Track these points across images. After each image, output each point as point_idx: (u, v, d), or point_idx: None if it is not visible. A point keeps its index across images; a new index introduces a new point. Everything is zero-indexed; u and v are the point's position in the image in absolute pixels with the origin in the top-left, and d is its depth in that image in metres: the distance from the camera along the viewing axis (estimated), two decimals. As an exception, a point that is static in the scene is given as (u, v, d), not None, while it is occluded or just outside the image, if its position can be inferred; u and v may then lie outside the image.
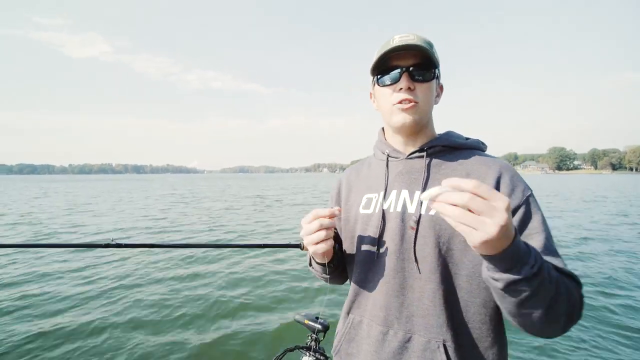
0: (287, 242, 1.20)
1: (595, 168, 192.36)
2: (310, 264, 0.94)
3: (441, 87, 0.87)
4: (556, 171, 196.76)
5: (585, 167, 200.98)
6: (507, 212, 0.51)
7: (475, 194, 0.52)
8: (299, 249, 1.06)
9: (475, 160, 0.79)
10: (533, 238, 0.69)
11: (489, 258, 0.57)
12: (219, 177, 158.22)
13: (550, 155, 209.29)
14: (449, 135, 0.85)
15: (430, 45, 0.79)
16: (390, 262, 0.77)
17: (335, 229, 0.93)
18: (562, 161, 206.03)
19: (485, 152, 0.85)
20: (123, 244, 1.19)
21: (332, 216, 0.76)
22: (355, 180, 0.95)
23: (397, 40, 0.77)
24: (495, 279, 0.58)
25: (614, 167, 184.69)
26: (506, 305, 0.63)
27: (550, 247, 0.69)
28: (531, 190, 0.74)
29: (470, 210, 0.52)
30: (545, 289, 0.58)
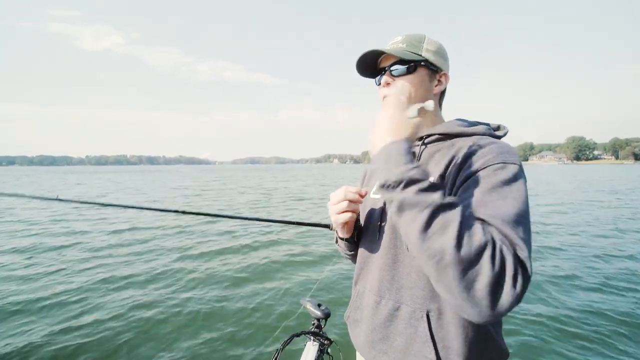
0: (318, 222, 1.27)
1: (617, 158, 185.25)
2: (337, 241, 1.03)
3: (445, 76, 0.88)
4: (574, 161, 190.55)
5: (605, 157, 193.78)
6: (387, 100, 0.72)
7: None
8: (327, 229, 1.10)
9: (469, 143, 0.77)
10: (489, 204, 0.61)
11: (375, 156, 0.67)
12: (231, 168, 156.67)
13: (568, 145, 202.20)
14: (449, 122, 0.87)
15: (419, 40, 0.87)
16: (386, 240, 0.84)
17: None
18: (581, 151, 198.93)
19: (495, 138, 0.80)
20: (188, 211, 1.40)
21: (359, 194, 0.85)
22: (373, 170, 1.04)
23: (387, 47, 0.88)
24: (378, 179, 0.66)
25: (637, 157, 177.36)
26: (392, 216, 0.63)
27: (499, 206, 0.60)
28: (510, 162, 0.67)
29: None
30: (414, 211, 0.56)
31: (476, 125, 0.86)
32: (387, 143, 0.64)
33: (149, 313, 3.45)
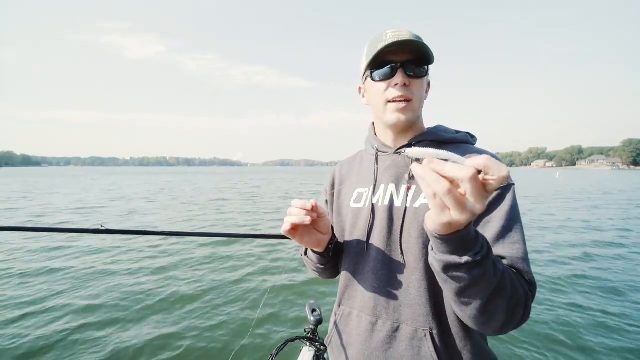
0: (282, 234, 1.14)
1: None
2: (306, 253, 0.92)
3: (429, 84, 0.85)
4: (631, 167, 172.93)
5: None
6: (486, 201, 0.48)
7: (476, 177, 0.44)
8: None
9: (460, 153, 0.73)
10: (490, 226, 0.68)
11: (438, 238, 0.54)
12: (263, 170, 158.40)
13: (624, 149, 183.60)
14: (437, 129, 0.85)
15: (421, 39, 0.77)
16: (378, 254, 0.78)
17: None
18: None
19: (475, 145, 0.84)
20: (113, 229, 1.12)
21: (308, 209, 0.73)
22: (347, 174, 0.96)
23: (391, 35, 0.76)
24: (438, 260, 0.57)
25: None
26: (447, 291, 0.62)
27: (505, 236, 0.67)
28: (508, 183, 0.71)
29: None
30: (486, 280, 0.56)
31: (459, 133, 0.86)
32: (464, 228, 0.53)
33: (138, 314, 3.47)
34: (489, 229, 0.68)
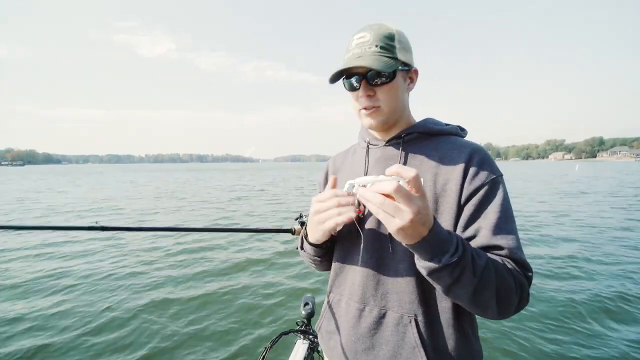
0: (279, 227, 1.12)
1: None
2: (302, 247, 0.94)
3: (415, 72, 0.84)
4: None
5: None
6: (420, 201, 0.55)
7: (398, 188, 0.53)
8: (290, 234, 0.99)
9: (449, 145, 0.81)
10: (487, 217, 0.71)
11: (412, 247, 0.60)
12: (275, 166, 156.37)
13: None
14: (426, 122, 0.86)
15: (390, 38, 0.76)
16: (368, 243, 0.80)
17: None
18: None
19: (464, 138, 0.86)
20: (109, 227, 1.12)
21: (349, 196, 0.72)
22: (340, 166, 0.99)
23: (355, 44, 0.78)
24: (421, 267, 0.63)
25: None
26: (438, 289, 0.66)
27: (502, 227, 0.70)
28: (498, 174, 0.75)
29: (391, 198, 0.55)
30: (467, 277, 0.60)
31: (448, 125, 0.88)
32: (429, 232, 0.58)
33: (141, 311, 3.42)
34: (486, 222, 0.71)
